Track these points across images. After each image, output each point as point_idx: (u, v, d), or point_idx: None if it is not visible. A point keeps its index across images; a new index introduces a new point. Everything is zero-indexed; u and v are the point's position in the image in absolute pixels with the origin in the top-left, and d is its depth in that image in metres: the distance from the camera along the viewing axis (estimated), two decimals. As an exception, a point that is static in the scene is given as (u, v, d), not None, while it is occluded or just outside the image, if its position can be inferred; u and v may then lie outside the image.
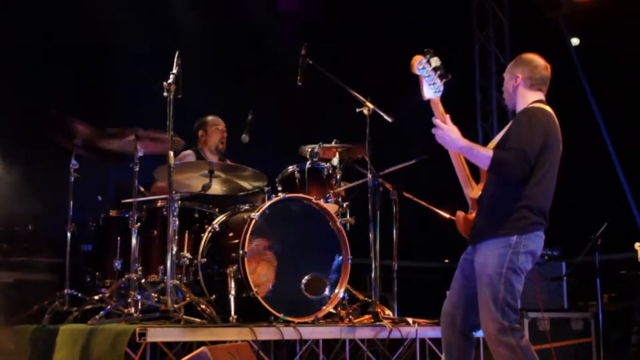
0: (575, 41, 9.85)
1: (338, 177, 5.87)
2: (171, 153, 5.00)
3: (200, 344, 5.52)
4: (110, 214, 5.67)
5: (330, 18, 8.55)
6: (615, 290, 7.54)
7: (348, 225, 5.79)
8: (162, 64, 5.25)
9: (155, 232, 5.50)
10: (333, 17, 8.62)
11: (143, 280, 5.24)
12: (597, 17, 9.10)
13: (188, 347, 5.25)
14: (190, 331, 4.46)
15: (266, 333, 4.59)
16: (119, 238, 5.52)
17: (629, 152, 9.03)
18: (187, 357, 3.63)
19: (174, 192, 5.05)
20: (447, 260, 9.61)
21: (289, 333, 4.62)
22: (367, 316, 5.42)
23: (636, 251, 6.92)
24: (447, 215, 6.12)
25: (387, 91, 6.32)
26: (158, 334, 4.21)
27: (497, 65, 10.09)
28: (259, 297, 5.02)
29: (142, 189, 5.52)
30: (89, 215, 5.80)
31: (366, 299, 5.80)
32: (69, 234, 5.59)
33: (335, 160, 5.96)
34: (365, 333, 4.97)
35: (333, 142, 6.01)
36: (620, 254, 7.48)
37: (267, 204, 5.27)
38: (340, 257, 5.45)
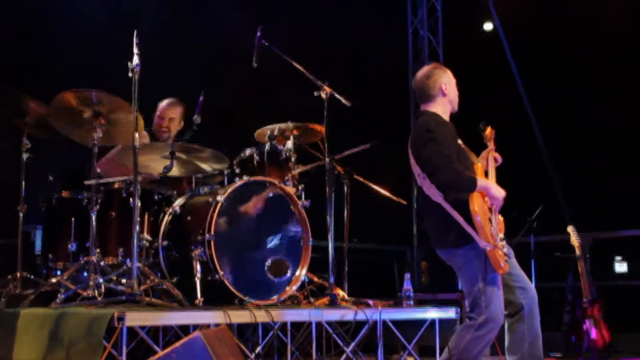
0: (488, 26, 10.14)
1: (293, 159, 5.90)
2: (136, 134, 4.93)
3: (167, 327, 5.56)
4: (63, 194, 5.54)
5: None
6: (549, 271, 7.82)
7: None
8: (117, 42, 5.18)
9: (113, 214, 5.41)
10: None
11: (102, 263, 5.16)
12: (526, 2, 9.39)
13: (153, 331, 5.23)
14: (168, 315, 4.43)
15: (240, 316, 4.60)
16: (72, 219, 5.41)
17: (556, 135, 9.39)
18: (180, 341, 3.62)
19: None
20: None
21: (261, 316, 4.65)
22: (325, 298, 5.48)
23: (569, 234, 7.26)
24: (391, 196, 6.27)
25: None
26: (136, 319, 4.16)
27: (429, 50, 10.27)
28: (225, 280, 5.03)
29: (98, 170, 5.41)
30: (39, 195, 5.66)
31: (320, 280, 5.88)
32: (21, 215, 5.47)
33: (290, 143, 5.98)
34: (332, 316, 5.03)
35: (290, 123, 6.04)
36: (555, 236, 7.78)
37: (233, 186, 5.27)
38: (302, 239, 5.50)
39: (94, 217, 5.13)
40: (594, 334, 6.99)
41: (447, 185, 4.43)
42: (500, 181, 4.78)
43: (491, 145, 4.98)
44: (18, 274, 5.32)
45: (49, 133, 5.60)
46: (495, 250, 4.32)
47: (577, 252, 7.19)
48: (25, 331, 4.58)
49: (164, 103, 6.44)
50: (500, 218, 4.63)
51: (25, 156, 5.48)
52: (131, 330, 4.26)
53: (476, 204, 4.35)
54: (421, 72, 4.86)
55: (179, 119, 6.47)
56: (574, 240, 7.22)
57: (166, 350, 3.62)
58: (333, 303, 5.33)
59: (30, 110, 5.47)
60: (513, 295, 4.63)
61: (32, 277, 5.38)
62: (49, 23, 7.13)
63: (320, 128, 5.93)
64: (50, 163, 5.79)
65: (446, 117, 4.76)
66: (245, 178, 5.39)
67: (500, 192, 4.53)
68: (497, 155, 4.95)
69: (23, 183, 5.47)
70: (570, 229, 7.27)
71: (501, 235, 4.53)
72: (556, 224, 7.73)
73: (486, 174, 4.80)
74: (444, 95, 4.75)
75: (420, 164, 4.56)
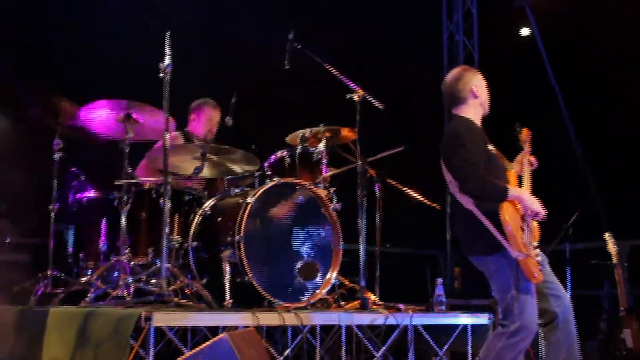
0: (525, 31, 10.03)
1: (325, 162, 5.85)
2: (167, 135, 4.92)
3: (196, 329, 5.55)
4: (94, 194, 5.55)
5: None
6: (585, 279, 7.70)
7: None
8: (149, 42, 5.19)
9: (144, 215, 5.40)
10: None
11: (132, 263, 5.15)
12: (563, 7, 9.26)
13: (182, 332, 5.21)
14: (195, 316, 4.40)
15: (268, 319, 4.56)
16: (103, 219, 5.43)
17: (592, 141, 9.26)
18: (207, 343, 3.58)
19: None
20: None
21: (290, 318, 4.60)
22: (356, 302, 5.43)
23: (606, 241, 7.12)
24: (424, 200, 6.20)
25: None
26: (164, 319, 4.14)
27: (464, 54, 10.19)
28: (254, 282, 4.99)
29: (130, 171, 5.41)
30: (71, 195, 5.68)
31: (351, 284, 5.82)
32: (52, 215, 5.49)
33: (322, 145, 5.94)
34: (362, 319, 4.97)
35: (320, 126, 5.99)
36: (591, 243, 7.65)
37: (263, 188, 5.22)
38: (333, 243, 5.44)
39: (124, 217, 5.14)
40: (630, 342, 6.86)
41: (475, 194, 4.35)
42: (535, 187, 4.69)
43: (527, 148, 4.88)
44: (49, 273, 5.34)
45: (81, 133, 5.62)
46: (527, 259, 4.23)
47: (614, 259, 7.05)
48: (54, 329, 4.59)
49: (209, 106, 6.45)
50: (535, 225, 4.53)
51: (57, 156, 5.51)
52: (160, 331, 4.25)
53: (507, 212, 4.26)
54: (450, 75, 4.77)
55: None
56: (611, 247, 7.09)
57: (192, 352, 3.59)
58: (364, 307, 5.26)
59: (63, 110, 5.48)
60: (547, 303, 4.54)
61: (62, 276, 5.40)
62: (78, 22, 7.18)
63: (352, 131, 5.87)
64: (82, 163, 5.78)
65: (478, 121, 4.67)
66: (276, 180, 5.35)
67: (533, 202, 4.43)
68: (533, 159, 4.84)
69: (55, 183, 5.49)
70: (607, 236, 7.14)
71: (535, 243, 4.43)
72: (593, 231, 7.58)
73: (520, 179, 4.71)
74: (475, 97, 4.66)
75: (450, 171, 4.49)
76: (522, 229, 4.33)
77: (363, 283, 5.44)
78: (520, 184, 4.65)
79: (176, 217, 5.42)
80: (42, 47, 6.90)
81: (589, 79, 9.23)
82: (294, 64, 5.85)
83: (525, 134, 4.89)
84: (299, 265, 5.26)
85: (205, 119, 6.39)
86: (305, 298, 5.23)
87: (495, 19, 10.03)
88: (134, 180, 5.28)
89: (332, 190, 5.81)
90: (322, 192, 5.59)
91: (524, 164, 4.79)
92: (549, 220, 4.58)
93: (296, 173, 5.64)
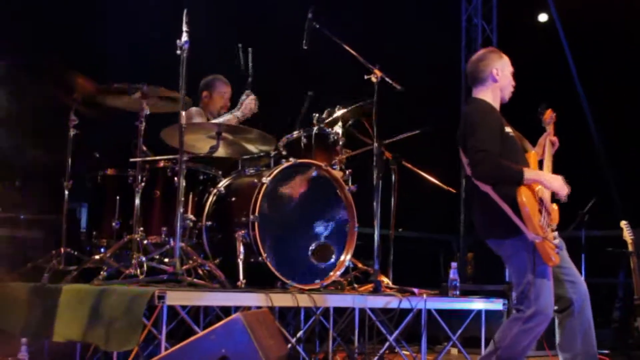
0: (543, 17, 9.93)
1: (341, 143, 5.80)
2: (183, 113, 4.88)
3: (208, 309, 5.53)
4: (108, 172, 5.52)
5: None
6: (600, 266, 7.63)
7: (349, 192, 5.74)
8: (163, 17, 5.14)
9: (158, 193, 5.37)
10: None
11: (146, 242, 5.12)
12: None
13: (194, 312, 5.18)
14: (209, 295, 4.37)
15: (282, 300, 4.53)
16: (117, 197, 5.40)
17: (610, 127, 9.18)
18: (220, 322, 3.55)
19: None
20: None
21: (303, 300, 4.57)
22: (369, 285, 5.39)
23: (622, 229, 7.05)
24: (439, 184, 6.16)
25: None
26: (177, 298, 4.11)
27: (482, 38, 10.10)
28: (268, 263, 4.96)
29: (145, 149, 5.38)
30: (85, 172, 5.65)
31: (365, 267, 5.78)
32: (66, 191, 5.46)
33: (338, 127, 5.89)
34: (376, 302, 4.93)
35: (336, 109, 5.94)
36: (607, 231, 7.58)
37: (279, 168, 5.19)
38: (348, 225, 5.40)
39: (138, 196, 5.11)
40: (644, 330, 6.82)
41: (488, 178, 4.30)
42: (554, 172, 4.62)
43: (550, 129, 4.78)
44: (62, 250, 5.33)
45: (96, 110, 5.60)
46: (544, 242, 4.18)
47: (630, 247, 6.99)
48: (67, 306, 4.57)
49: (220, 82, 6.41)
50: (555, 207, 4.47)
51: (72, 132, 5.48)
52: (172, 310, 4.22)
53: (524, 194, 4.21)
54: (475, 55, 4.75)
55: None
56: (627, 235, 7.02)
57: (205, 331, 3.56)
58: (377, 290, 5.22)
59: (78, 86, 5.45)
60: (562, 289, 4.49)
61: (75, 253, 5.38)
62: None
63: (369, 112, 5.80)
64: (96, 140, 5.76)
65: (496, 105, 4.60)
66: (292, 160, 5.30)
67: (554, 181, 4.37)
68: (554, 139, 4.75)
69: (69, 159, 5.47)
70: (623, 223, 7.07)
71: (553, 225, 4.37)
72: (609, 219, 7.51)
73: (541, 162, 4.64)
74: (495, 81, 4.59)
75: (465, 154, 4.44)
76: (540, 212, 4.27)
77: (377, 266, 5.39)
78: (540, 166, 4.58)
79: (190, 196, 5.38)
80: (58, 24, 6.86)
81: (606, 65, 9.14)
82: (312, 44, 5.78)
83: (548, 115, 4.78)
84: (313, 246, 5.23)
85: (218, 95, 6.34)
86: (319, 280, 5.20)
87: (515, 4, 9.91)
88: (148, 159, 5.23)
89: (347, 172, 5.76)
90: (337, 174, 5.55)
91: (545, 145, 4.70)
92: (565, 206, 4.52)
93: (312, 154, 5.59)
